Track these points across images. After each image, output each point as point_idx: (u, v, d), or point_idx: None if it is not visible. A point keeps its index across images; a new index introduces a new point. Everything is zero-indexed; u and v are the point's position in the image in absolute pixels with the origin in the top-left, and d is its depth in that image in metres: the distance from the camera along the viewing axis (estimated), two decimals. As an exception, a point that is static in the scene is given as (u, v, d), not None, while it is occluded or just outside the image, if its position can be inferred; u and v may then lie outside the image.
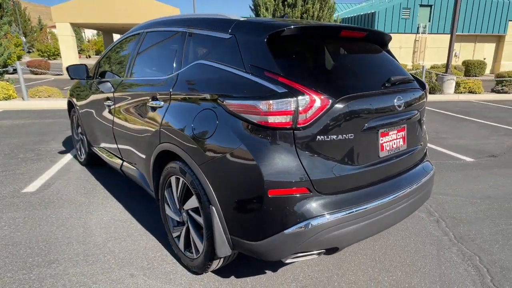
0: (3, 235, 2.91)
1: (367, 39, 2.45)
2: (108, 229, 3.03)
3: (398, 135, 2.29)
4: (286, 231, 1.86)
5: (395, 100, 2.17)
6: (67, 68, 3.77)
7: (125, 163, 3.29)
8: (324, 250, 2.00)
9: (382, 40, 2.58)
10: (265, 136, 1.85)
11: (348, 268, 2.54)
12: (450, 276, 2.46)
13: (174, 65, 2.53)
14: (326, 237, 1.90)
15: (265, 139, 1.85)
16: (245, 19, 2.27)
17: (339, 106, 1.90)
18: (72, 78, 3.86)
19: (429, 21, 27.64)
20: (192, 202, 2.27)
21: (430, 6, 27.46)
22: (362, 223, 2.00)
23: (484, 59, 28.50)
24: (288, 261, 2.00)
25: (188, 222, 2.39)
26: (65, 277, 2.39)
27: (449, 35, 14.33)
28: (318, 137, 1.88)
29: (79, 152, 4.71)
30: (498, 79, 14.55)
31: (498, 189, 4.03)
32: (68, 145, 5.64)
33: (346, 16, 31.43)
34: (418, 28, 27.71)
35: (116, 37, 40.06)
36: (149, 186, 2.87)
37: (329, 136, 1.90)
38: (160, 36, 2.93)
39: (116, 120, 3.20)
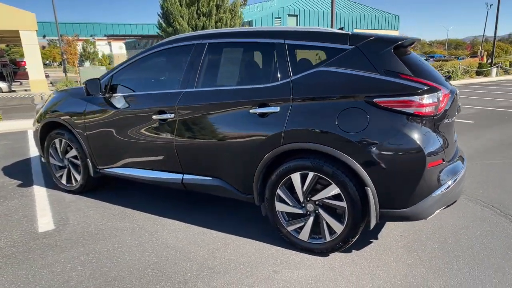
0: (89, 274, 2.58)
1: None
2: (196, 244, 2.98)
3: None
4: (434, 194, 2.44)
5: (457, 92, 2.97)
6: (86, 83, 3.37)
7: (189, 176, 3.21)
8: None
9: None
10: (419, 122, 2.38)
11: (431, 224, 3.25)
12: (477, 214, 3.43)
13: (279, 74, 2.74)
14: (453, 194, 2.58)
15: (419, 124, 2.38)
16: (356, 32, 2.70)
17: (450, 97, 2.59)
18: (89, 95, 3.46)
19: (297, 28, 31.94)
20: (329, 191, 2.59)
21: (296, 15, 31.85)
22: (461, 183, 2.73)
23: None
24: (429, 217, 2.57)
25: (320, 211, 2.69)
26: (220, 289, 2.41)
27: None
28: (443, 120, 2.53)
29: (64, 181, 4.12)
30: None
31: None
32: (19, 176, 4.79)
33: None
34: (288, 35, 32.07)
35: None
36: (239, 191, 2.99)
37: (446, 119, 2.58)
38: (239, 47, 3.05)
39: (183, 132, 3.09)
